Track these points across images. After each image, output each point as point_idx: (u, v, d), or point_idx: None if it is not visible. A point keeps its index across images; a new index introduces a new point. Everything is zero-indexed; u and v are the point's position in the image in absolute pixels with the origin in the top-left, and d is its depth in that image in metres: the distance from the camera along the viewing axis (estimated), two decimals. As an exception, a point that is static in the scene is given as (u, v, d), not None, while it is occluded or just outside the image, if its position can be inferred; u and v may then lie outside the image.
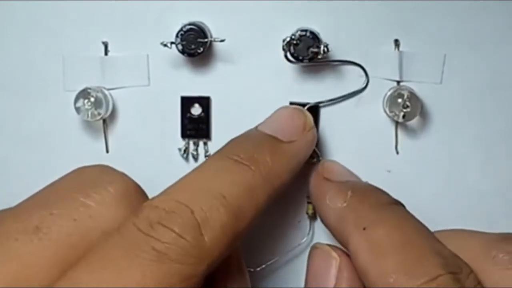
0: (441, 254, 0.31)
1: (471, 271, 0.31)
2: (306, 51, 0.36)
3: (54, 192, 0.31)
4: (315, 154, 0.38)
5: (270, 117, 0.37)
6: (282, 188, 0.34)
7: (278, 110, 0.37)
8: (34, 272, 0.28)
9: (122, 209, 0.30)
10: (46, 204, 0.30)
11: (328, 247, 0.35)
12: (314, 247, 0.36)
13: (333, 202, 0.35)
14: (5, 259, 0.28)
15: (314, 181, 0.38)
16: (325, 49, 0.36)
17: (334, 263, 0.34)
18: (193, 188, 0.30)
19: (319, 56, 0.36)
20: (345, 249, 0.34)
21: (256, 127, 0.36)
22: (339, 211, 0.34)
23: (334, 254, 0.34)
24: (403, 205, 0.35)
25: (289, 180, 0.35)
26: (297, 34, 0.36)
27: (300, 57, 0.37)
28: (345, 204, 0.34)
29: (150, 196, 0.32)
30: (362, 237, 0.32)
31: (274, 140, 0.35)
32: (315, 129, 0.37)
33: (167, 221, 0.28)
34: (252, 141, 0.34)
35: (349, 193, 0.35)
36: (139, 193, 0.32)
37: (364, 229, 0.32)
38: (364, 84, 0.38)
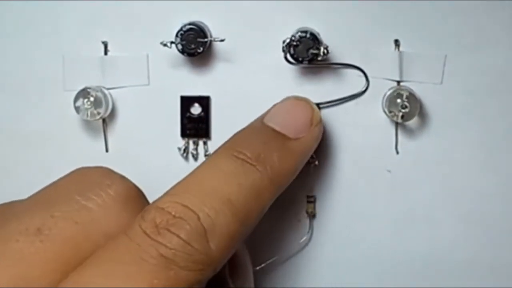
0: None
1: None
2: (306, 53, 0.36)
3: (55, 193, 0.31)
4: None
5: (276, 108, 0.36)
6: (286, 187, 0.34)
7: (284, 101, 0.37)
8: (36, 273, 0.27)
9: (123, 211, 0.30)
10: (47, 205, 0.30)
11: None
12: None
13: None
14: (6, 260, 0.28)
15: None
16: (325, 51, 0.36)
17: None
18: (200, 191, 0.30)
19: (319, 58, 0.36)
20: None
21: (262, 119, 0.36)
22: None
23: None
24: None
25: (293, 179, 0.35)
26: (297, 36, 0.36)
27: (300, 59, 0.37)
28: None
29: (149, 196, 0.32)
30: None
31: (281, 137, 0.34)
32: (322, 124, 0.37)
33: (174, 227, 0.28)
34: (259, 138, 0.34)
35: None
36: (139, 196, 0.32)
37: None
38: (365, 87, 0.38)
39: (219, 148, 0.34)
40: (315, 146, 0.37)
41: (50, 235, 0.28)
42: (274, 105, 0.36)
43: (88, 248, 0.29)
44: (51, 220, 0.29)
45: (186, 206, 0.29)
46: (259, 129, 0.35)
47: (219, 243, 0.29)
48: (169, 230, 0.28)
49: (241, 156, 0.32)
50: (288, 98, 0.37)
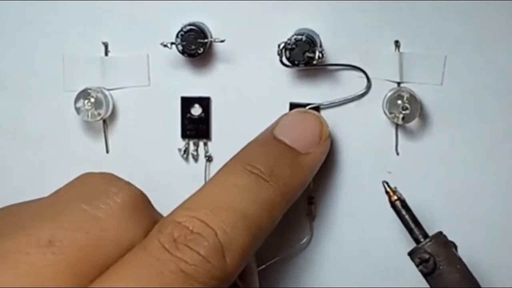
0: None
1: None
2: (302, 56, 0.36)
3: (62, 202, 0.30)
4: None
5: (286, 121, 0.36)
6: (295, 200, 0.35)
7: (293, 113, 0.37)
8: (49, 285, 0.27)
9: (131, 219, 0.30)
10: (56, 216, 0.29)
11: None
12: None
13: None
14: (18, 273, 0.27)
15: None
16: (320, 55, 0.36)
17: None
18: (216, 206, 0.30)
19: (314, 62, 0.36)
20: None
21: (271, 131, 0.36)
22: None
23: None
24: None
25: (301, 193, 0.35)
26: (292, 39, 0.36)
27: (296, 62, 0.37)
28: None
29: (150, 197, 0.32)
30: None
31: (293, 152, 0.35)
32: (330, 138, 0.37)
33: (193, 243, 0.29)
34: (271, 152, 0.34)
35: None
36: (145, 201, 0.31)
37: None
38: (366, 88, 0.38)
39: (230, 161, 0.34)
40: (323, 160, 0.37)
41: (62, 246, 0.28)
42: (283, 117, 0.37)
43: (98, 257, 0.29)
44: (61, 231, 0.29)
45: (204, 222, 0.29)
46: (271, 143, 0.35)
47: (234, 258, 0.29)
48: (188, 246, 0.28)
49: (255, 171, 0.33)
50: (297, 111, 0.37)
